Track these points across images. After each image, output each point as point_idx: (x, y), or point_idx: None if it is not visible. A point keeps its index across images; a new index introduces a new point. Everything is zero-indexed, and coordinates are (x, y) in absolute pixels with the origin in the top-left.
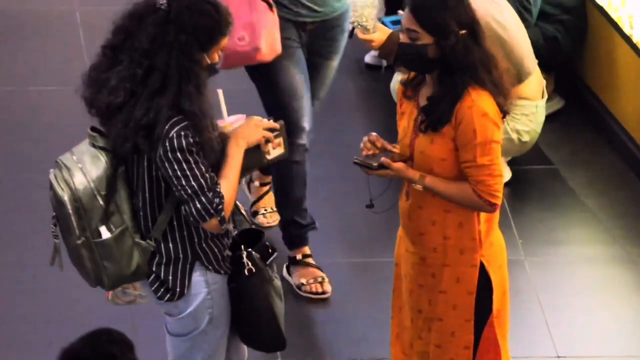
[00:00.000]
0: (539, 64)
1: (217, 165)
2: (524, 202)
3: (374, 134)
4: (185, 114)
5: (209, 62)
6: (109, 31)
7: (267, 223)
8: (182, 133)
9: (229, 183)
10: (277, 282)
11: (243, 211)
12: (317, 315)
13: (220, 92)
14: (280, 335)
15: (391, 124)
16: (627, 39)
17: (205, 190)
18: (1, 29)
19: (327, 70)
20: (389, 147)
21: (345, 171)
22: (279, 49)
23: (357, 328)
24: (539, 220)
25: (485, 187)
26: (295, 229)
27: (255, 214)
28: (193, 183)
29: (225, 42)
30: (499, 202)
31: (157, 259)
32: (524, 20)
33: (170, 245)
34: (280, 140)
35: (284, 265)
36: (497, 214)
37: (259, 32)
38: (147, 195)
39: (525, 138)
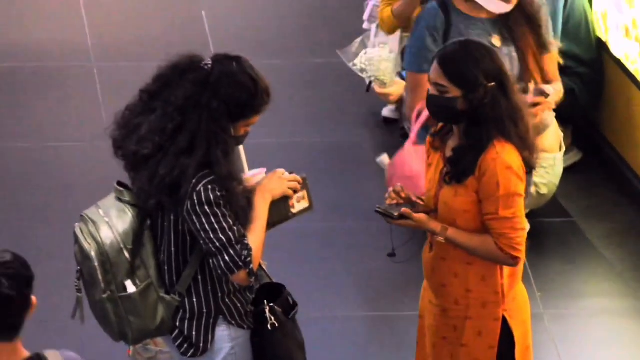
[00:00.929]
0: (557, 117)
1: (243, 219)
2: (543, 254)
3: (399, 184)
4: (213, 172)
5: (233, 133)
6: (151, 76)
7: None
8: (210, 187)
9: (256, 236)
10: (300, 336)
11: (264, 266)
12: None
13: (241, 147)
14: None
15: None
16: None
17: (234, 242)
18: (19, 85)
19: None
20: (414, 198)
21: (363, 225)
22: None
23: None
24: (558, 273)
25: (508, 240)
26: None
27: None
28: (221, 236)
29: (256, 120)
30: (521, 255)
31: (181, 314)
32: None
33: (195, 300)
34: (304, 193)
35: None
36: (520, 269)
37: None
38: (172, 249)
39: (544, 191)
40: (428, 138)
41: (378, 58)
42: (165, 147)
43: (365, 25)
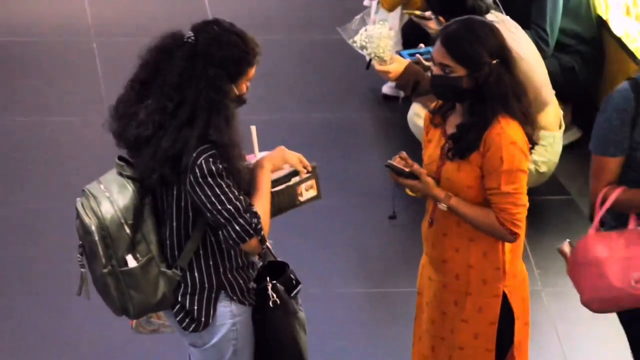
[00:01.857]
0: (556, 95)
1: (246, 188)
2: (541, 232)
3: (404, 152)
4: (214, 144)
5: (237, 93)
6: (136, 65)
7: None
8: (211, 160)
9: (261, 204)
10: (302, 315)
11: (268, 243)
12: (335, 346)
13: (253, 128)
14: None
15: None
16: None
17: (242, 211)
18: (19, 61)
19: None
20: (416, 166)
21: (361, 201)
22: None
23: (374, 358)
24: (556, 250)
25: (508, 215)
26: None
27: None
28: (229, 206)
29: (253, 72)
30: (520, 231)
31: (182, 288)
32: (541, 51)
33: (196, 274)
34: (312, 182)
35: None
36: (521, 246)
37: None
38: (174, 224)
39: (543, 169)
40: (427, 114)
41: (378, 35)
42: (166, 125)
43: (365, 2)
